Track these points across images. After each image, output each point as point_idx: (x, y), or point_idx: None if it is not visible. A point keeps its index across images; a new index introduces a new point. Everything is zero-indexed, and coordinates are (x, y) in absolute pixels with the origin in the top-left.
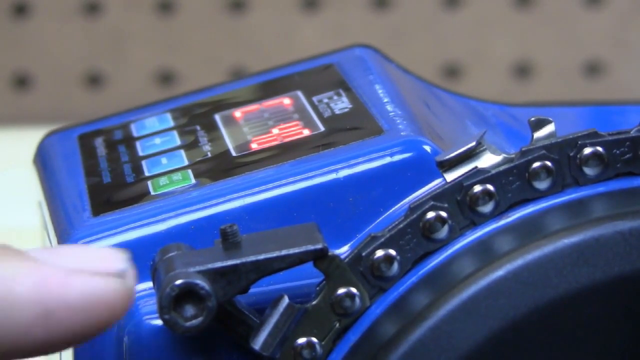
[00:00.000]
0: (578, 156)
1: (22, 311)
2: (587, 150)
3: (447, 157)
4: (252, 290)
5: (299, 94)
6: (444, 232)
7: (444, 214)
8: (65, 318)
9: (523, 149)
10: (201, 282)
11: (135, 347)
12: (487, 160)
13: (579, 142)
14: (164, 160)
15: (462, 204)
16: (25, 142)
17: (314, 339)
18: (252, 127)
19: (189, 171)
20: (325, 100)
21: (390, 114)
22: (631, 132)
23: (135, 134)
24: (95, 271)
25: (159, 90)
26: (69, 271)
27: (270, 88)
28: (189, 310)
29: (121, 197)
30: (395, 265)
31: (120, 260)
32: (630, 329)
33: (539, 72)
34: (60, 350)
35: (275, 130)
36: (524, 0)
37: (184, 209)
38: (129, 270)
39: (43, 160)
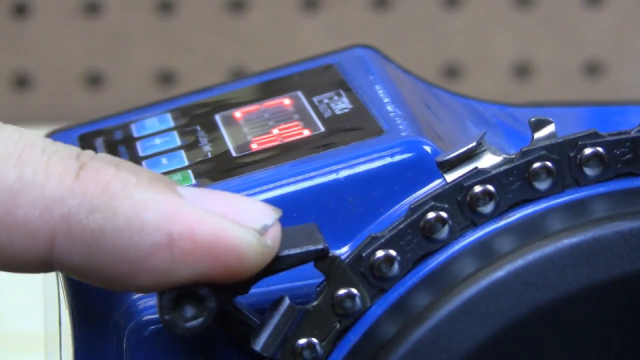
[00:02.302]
0: (578, 156)
1: (145, 236)
2: (588, 151)
3: (448, 157)
4: (253, 290)
5: (299, 94)
6: (444, 232)
7: (444, 214)
8: (189, 251)
9: (523, 149)
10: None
11: (135, 347)
12: (488, 160)
13: (579, 143)
14: (164, 160)
15: (462, 205)
16: None
17: (315, 340)
18: (252, 128)
19: (189, 171)
20: (326, 101)
21: (391, 114)
22: (631, 133)
23: (135, 134)
24: (233, 219)
25: (159, 90)
26: (205, 211)
27: (270, 88)
28: (189, 311)
29: None
30: (396, 266)
31: (266, 216)
32: (630, 329)
33: (539, 72)
34: (186, 281)
35: (275, 131)
36: (524, 0)
37: None
38: (273, 228)
39: None
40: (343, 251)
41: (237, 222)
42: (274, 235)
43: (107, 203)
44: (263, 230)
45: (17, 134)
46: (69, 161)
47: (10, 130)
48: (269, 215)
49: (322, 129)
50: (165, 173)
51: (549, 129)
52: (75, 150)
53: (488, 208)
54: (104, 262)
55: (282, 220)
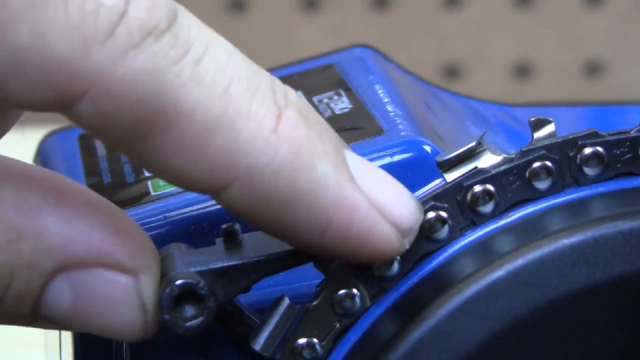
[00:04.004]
0: (578, 156)
1: (310, 214)
2: (587, 151)
3: (447, 157)
4: (253, 290)
5: (299, 94)
6: (444, 232)
7: (444, 214)
8: (339, 239)
9: (523, 149)
10: (201, 282)
11: (136, 347)
12: (487, 160)
13: (579, 142)
14: None
15: (462, 204)
16: (25, 142)
17: (315, 340)
18: None
19: None
20: (326, 101)
21: (390, 114)
22: (631, 132)
23: None
24: (389, 214)
25: None
26: (369, 202)
27: None
28: (189, 310)
29: (121, 197)
30: (396, 265)
31: (415, 219)
32: (630, 329)
33: (539, 72)
34: (331, 254)
35: None
36: (524, 0)
37: (184, 209)
38: (414, 232)
39: (43, 160)
40: None
41: (390, 220)
42: (412, 239)
43: (293, 171)
44: (407, 233)
45: (226, 56)
46: (269, 105)
47: (221, 50)
48: (417, 219)
49: None
50: None
51: (549, 128)
52: (269, 82)
53: (488, 208)
54: (264, 217)
55: None
